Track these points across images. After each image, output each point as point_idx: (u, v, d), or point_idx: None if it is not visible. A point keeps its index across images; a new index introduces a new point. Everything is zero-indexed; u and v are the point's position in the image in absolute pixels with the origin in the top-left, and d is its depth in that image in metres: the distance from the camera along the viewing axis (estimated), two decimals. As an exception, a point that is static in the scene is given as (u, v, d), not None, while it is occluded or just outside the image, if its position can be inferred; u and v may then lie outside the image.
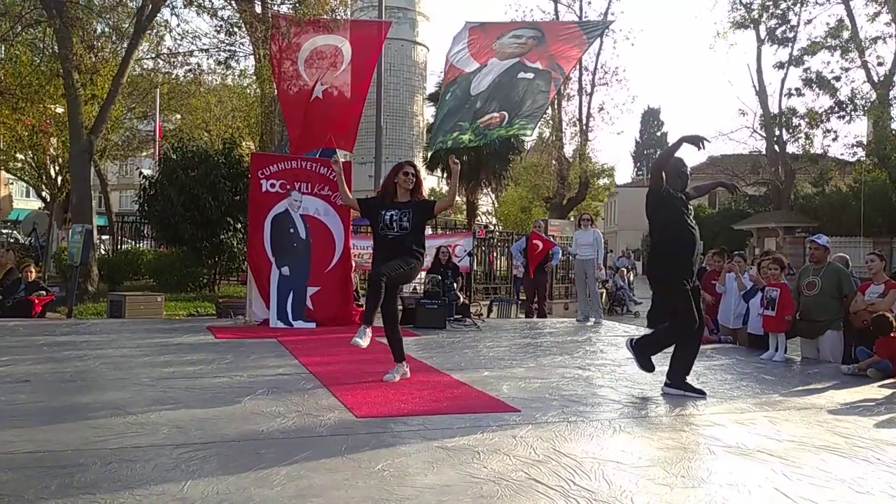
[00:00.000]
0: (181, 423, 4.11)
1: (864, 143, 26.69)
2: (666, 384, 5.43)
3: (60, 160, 21.41)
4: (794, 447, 4.00)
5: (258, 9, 16.45)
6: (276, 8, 15.87)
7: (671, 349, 5.54)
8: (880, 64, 26.03)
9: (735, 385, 5.86)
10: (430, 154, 27.51)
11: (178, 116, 25.40)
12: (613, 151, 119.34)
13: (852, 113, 26.57)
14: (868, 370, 6.24)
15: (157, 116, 21.51)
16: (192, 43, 17.18)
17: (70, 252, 12.21)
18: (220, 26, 15.76)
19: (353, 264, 10.32)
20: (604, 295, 18.60)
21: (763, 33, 28.69)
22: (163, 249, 17.67)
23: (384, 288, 5.31)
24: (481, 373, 6.12)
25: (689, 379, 5.42)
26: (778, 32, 28.34)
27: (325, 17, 12.63)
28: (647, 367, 5.60)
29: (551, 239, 13.22)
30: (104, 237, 22.40)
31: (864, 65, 25.74)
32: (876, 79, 25.69)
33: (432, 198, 6.72)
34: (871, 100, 25.53)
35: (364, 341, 5.24)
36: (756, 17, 28.36)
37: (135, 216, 19.96)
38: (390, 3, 26.43)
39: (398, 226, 5.51)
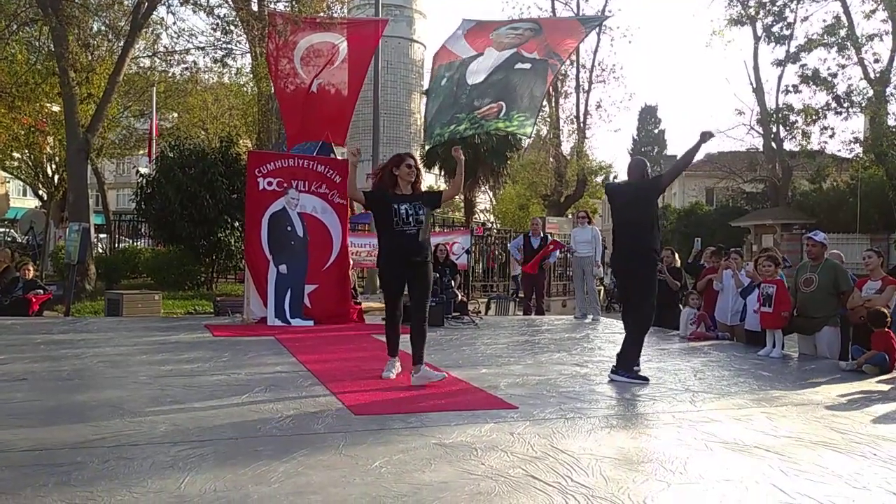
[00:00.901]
0: (179, 420, 4.11)
1: (861, 139, 26.73)
2: (613, 371, 5.75)
3: (57, 159, 21.40)
4: (791, 443, 4.01)
5: (255, 7, 16.45)
6: (272, 6, 15.88)
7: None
8: (877, 61, 26.08)
9: (732, 381, 5.87)
10: (427, 150, 27.45)
11: (175, 115, 25.38)
12: (611, 149, 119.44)
13: (849, 109, 26.61)
14: (864, 366, 6.25)
15: (153, 115, 21.48)
16: (188, 41, 17.30)
17: (67, 250, 12.21)
18: (217, 24, 15.76)
19: (351, 262, 10.32)
20: (601, 292, 18.62)
21: (760, 30, 28.72)
22: (160, 248, 17.67)
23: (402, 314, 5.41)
24: (479, 370, 6.13)
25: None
26: (775, 29, 28.37)
27: (321, 14, 12.63)
28: (642, 379, 5.73)
29: (555, 239, 13.23)
30: (101, 235, 22.41)
31: (861, 62, 25.77)
32: (872, 75, 25.72)
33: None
34: (868, 96, 25.56)
35: (394, 374, 5.18)
36: (753, 14, 28.38)
37: (132, 214, 19.97)
38: (387, 0, 26.39)
39: (414, 220, 5.36)
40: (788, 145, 28.65)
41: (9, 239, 26.17)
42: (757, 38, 28.77)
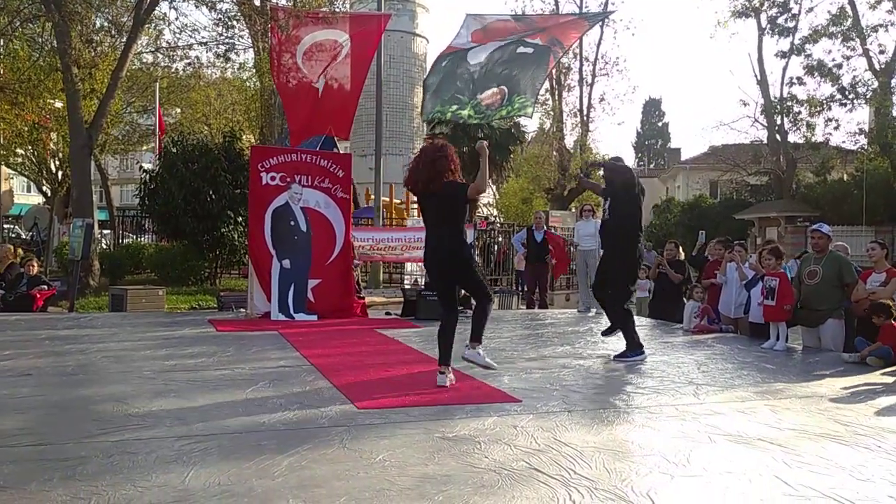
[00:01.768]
0: (183, 415, 4.12)
1: (866, 131, 26.60)
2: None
3: (61, 155, 21.42)
4: (794, 435, 4.00)
5: (257, 1, 16.42)
6: (274, 0, 15.83)
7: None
8: (882, 52, 25.94)
9: (736, 374, 5.86)
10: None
11: (178, 110, 25.38)
12: (614, 142, 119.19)
13: (854, 101, 26.49)
14: (868, 358, 6.23)
15: (157, 110, 21.49)
16: (191, 36, 17.27)
17: (71, 246, 12.23)
18: (219, 19, 15.73)
19: (356, 255, 10.33)
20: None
21: (764, 22, 28.59)
22: (164, 243, 17.68)
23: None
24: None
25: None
26: (779, 21, 28.23)
27: (323, 9, 12.62)
28: (639, 345, 6.40)
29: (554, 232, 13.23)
30: (105, 231, 22.42)
31: (866, 53, 25.64)
32: (878, 66, 25.60)
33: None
34: (873, 87, 25.44)
35: (448, 382, 5.15)
36: (757, 5, 28.23)
37: (136, 210, 19.98)
38: (389, -6, 26.29)
39: None
40: (793, 137, 28.54)
41: (13, 235, 26.26)
42: (761, 30, 28.65)
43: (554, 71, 22.52)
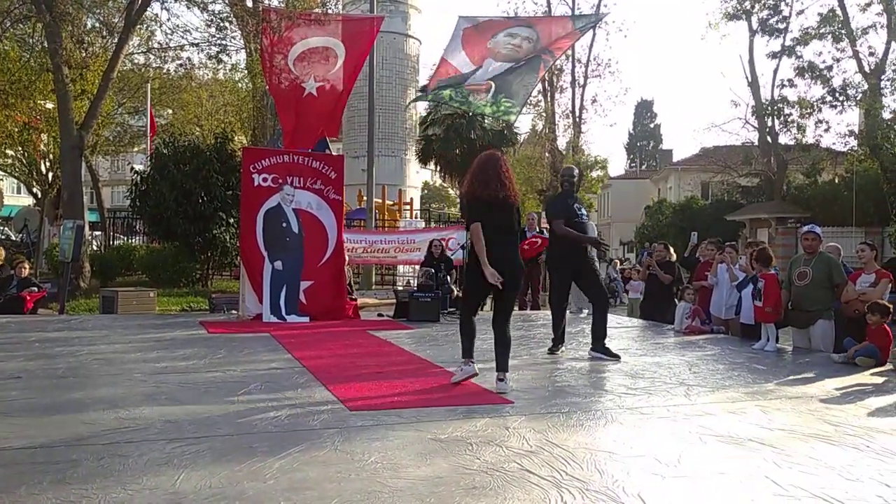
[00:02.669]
0: (174, 417, 4.11)
1: (856, 132, 26.74)
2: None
3: (51, 156, 21.32)
4: (784, 436, 4.02)
5: (249, 3, 16.39)
6: (266, 2, 15.82)
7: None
8: (871, 54, 26.11)
9: (727, 375, 5.88)
10: (422, 146, 27.41)
11: (170, 111, 25.31)
12: (606, 143, 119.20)
13: (844, 103, 26.64)
14: (857, 358, 6.26)
15: (148, 111, 21.42)
16: (182, 37, 17.20)
17: (62, 248, 12.17)
18: (211, 20, 15.70)
19: (347, 258, 10.32)
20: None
21: (755, 24, 28.73)
22: (155, 245, 17.62)
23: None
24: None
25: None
26: (770, 23, 28.38)
27: (316, 10, 12.60)
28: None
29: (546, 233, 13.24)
30: (96, 233, 22.33)
31: (856, 54, 25.80)
32: (867, 69, 25.75)
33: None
34: (863, 89, 25.59)
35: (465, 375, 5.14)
36: (748, 7, 28.38)
37: (127, 212, 19.92)
38: (382, -4, 26.26)
39: None
40: (783, 139, 28.70)
41: (3, 237, 26.09)
42: (752, 32, 28.81)
43: (546, 73, 22.56)
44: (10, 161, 22.98)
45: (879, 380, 5.79)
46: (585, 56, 30.40)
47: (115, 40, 15.48)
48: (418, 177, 32.49)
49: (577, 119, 30.92)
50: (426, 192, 44.72)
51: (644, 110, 71.67)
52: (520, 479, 3.19)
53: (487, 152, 5.56)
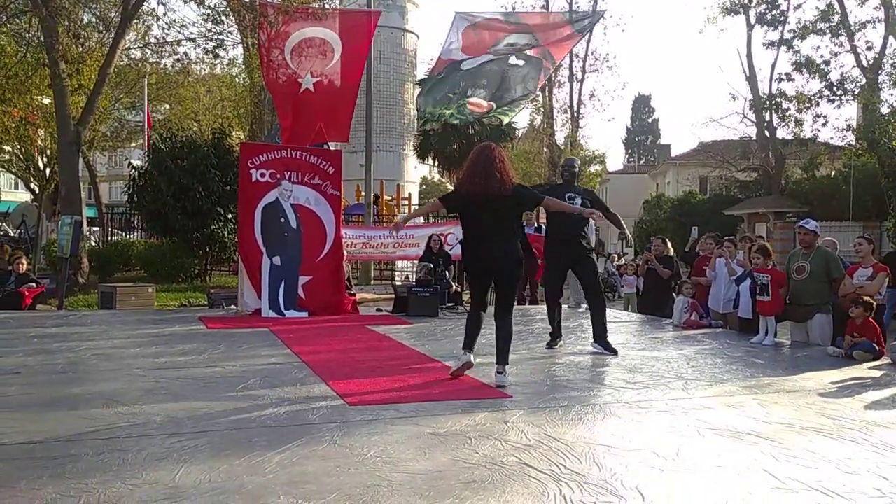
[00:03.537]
0: (173, 412, 4.12)
1: (854, 127, 26.74)
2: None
3: (48, 151, 21.27)
4: (782, 429, 4.04)
5: (246, -3, 16.32)
6: (263, -4, 15.75)
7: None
8: (869, 49, 26.06)
9: (725, 369, 5.90)
10: (420, 140, 27.35)
11: (167, 106, 25.25)
12: (604, 138, 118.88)
13: (842, 97, 26.62)
14: (854, 352, 6.29)
15: (145, 106, 21.37)
16: (179, 32, 17.09)
17: (60, 244, 12.16)
18: (208, 15, 15.66)
19: (345, 254, 10.32)
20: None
21: (753, 19, 28.68)
22: (153, 240, 17.62)
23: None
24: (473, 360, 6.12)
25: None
26: (768, 17, 28.33)
27: (313, 5, 12.58)
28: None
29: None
30: (94, 228, 22.32)
31: (854, 49, 25.76)
32: (865, 63, 25.73)
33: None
34: (861, 84, 25.56)
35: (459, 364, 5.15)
36: (746, 1, 28.33)
37: (125, 207, 19.89)
38: (379, -10, 26.18)
39: None
40: (781, 133, 28.67)
41: (1, 233, 26.03)
42: (750, 27, 28.75)
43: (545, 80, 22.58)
44: (7, 157, 22.95)
45: (877, 373, 5.81)
46: (583, 51, 30.40)
47: (112, 35, 15.44)
48: (416, 172, 32.43)
49: (576, 114, 30.93)
50: (424, 186, 44.68)
51: (642, 105, 71.58)
52: (519, 472, 3.20)
53: (482, 144, 5.55)
